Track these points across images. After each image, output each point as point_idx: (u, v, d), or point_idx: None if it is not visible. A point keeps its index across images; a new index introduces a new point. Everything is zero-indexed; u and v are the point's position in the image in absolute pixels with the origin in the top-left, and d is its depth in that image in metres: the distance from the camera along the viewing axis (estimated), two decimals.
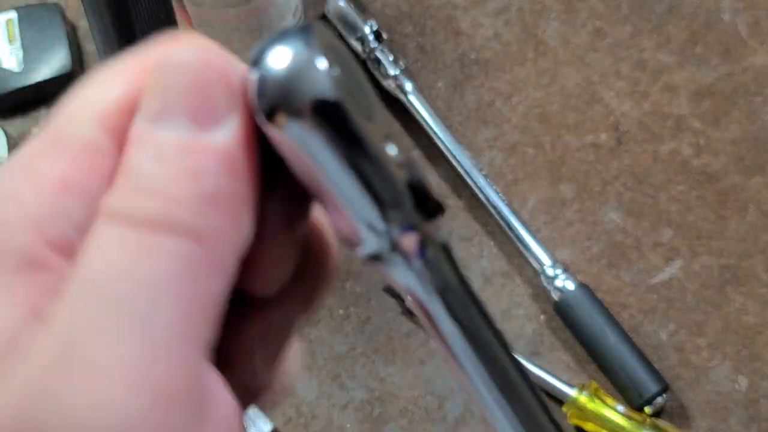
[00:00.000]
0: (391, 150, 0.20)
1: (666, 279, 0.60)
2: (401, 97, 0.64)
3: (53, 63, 0.65)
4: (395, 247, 0.20)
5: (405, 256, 0.20)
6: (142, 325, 0.17)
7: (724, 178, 0.63)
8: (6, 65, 0.65)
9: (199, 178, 0.18)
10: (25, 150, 0.20)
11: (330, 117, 0.19)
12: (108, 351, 0.17)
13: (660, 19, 0.68)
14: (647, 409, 0.55)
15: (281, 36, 0.19)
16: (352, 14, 0.64)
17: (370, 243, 0.20)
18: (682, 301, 0.60)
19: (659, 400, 0.56)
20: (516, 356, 0.22)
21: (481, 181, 0.61)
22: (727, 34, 0.67)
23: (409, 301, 0.21)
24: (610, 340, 0.57)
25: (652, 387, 0.55)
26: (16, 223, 0.18)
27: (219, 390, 0.19)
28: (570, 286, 0.58)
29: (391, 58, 0.64)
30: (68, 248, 0.19)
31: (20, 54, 0.66)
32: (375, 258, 0.20)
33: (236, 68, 0.20)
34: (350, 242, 0.20)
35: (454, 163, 0.62)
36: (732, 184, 0.62)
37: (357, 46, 0.64)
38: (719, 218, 0.62)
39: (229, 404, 0.19)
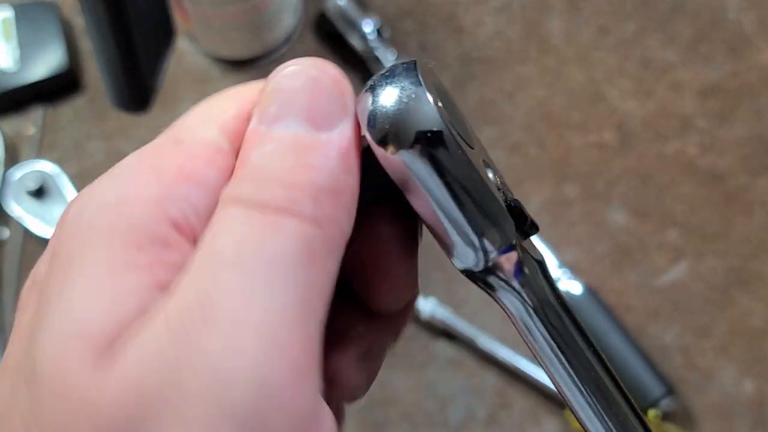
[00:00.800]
0: (490, 173, 0.22)
1: (671, 280, 0.60)
2: None
3: (49, 61, 0.65)
4: (495, 266, 0.22)
5: (504, 274, 0.22)
6: (272, 293, 0.19)
7: (729, 178, 0.62)
8: (2, 64, 0.65)
9: (318, 171, 0.20)
10: (147, 148, 0.22)
11: (436, 147, 0.21)
12: (240, 312, 0.18)
13: (665, 18, 0.67)
14: (652, 412, 0.55)
15: (390, 73, 0.21)
16: (353, 11, 0.64)
17: (468, 259, 0.22)
18: (687, 302, 0.59)
19: (664, 403, 0.55)
20: (608, 365, 0.23)
21: None
22: (732, 32, 0.66)
23: (509, 313, 0.22)
24: (615, 342, 0.56)
25: (658, 390, 0.55)
26: (142, 203, 0.20)
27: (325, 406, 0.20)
28: (576, 289, 0.57)
29: (394, 57, 0.63)
30: (189, 231, 0.20)
31: (17, 53, 0.65)
32: (470, 273, 0.22)
33: (345, 77, 0.22)
34: (449, 253, 0.22)
35: None
36: (738, 184, 0.62)
37: (357, 43, 0.64)
38: (725, 219, 0.61)
39: (331, 419, 0.20)
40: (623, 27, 0.67)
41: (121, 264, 0.19)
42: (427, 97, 0.21)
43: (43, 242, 0.61)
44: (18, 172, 0.61)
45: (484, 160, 0.22)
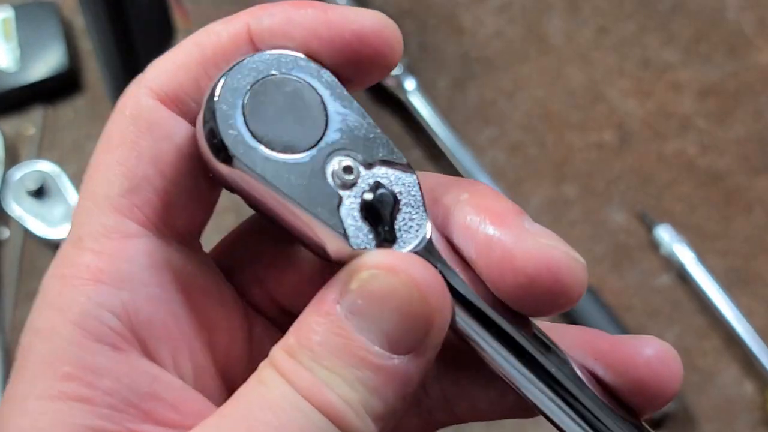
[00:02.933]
0: (336, 163, 0.22)
1: (671, 280, 0.60)
2: (402, 96, 0.63)
3: (49, 61, 0.65)
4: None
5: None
6: None
7: (729, 178, 0.62)
8: (2, 64, 0.65)
9: (372, 394, 0.21)
10: (55, 260, 0.22)
11: (229, 159, 0.21)
12: None
13: (664, 18, 0.67)
14: None
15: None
16: None
17: (335, 254, 0.22)
18: (687, 303, 0.59)
19: None
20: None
21: (485, 181, 0.61)
22: (732, 32, 0.66)
23: None
24: None
25: None
26: (64, 325, 0.21)
27: None
28: None
29: None
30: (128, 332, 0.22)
31: (17, 53, 0.65)
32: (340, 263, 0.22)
33: (447, 304, 0.22)
34: (318, 253, 0.22)
35: (456, 162, 0.61)
36: (737, 183, 0.62)
37: None
38: (724, 219, 0.61)
39: None
40: (623, 27, 0.67)
41: (49, 400, 0.20)
42: (214, 111, 0.21)
43: (43, 242, 0.61)
44: (18, 172, 0.61)
45: (333, 150, 0.22)
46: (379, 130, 0.23)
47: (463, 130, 0.63)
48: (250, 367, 0.22)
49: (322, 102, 0.22)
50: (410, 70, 0.64)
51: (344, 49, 0.23)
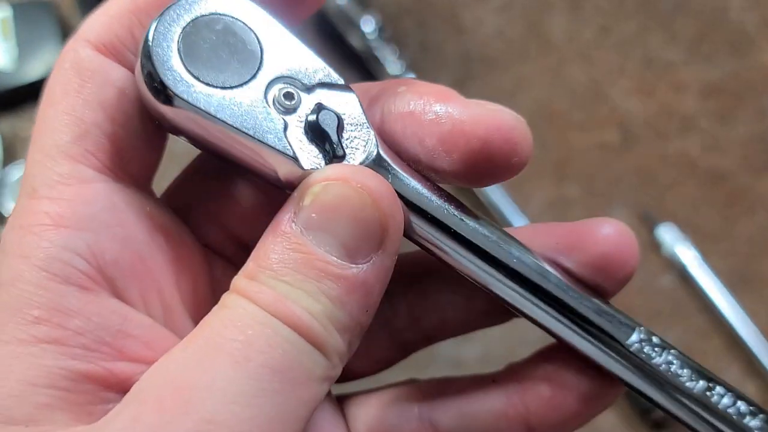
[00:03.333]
0: (276, 89, 0.23)
1: (672, 281, 0.59)
2: None
3: (47, 61, 0.64)
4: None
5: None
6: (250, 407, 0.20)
7: (732, 178, 0.62)
8: (0, 64, 0.65)
9: (335, 304, 0.21)
10: (12, 215, 0.22)
11: (169, 99, 0.22)
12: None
13: (666, 17, 0.67)
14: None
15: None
16: (353, 11, 0.64)
17: (286, 170, 0.23)
18: (688, 303, 0.59)
19: None
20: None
21: None
22: (734, 31, 0.66)
23: None
24: None
25: None
26: (29, 272, 0.21)
27: None
28: None
29: (394, 56, 0.63)
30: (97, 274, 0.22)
31: (15, 52, 0.65)
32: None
33: (398, 208, 0.22)
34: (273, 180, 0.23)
35: None
36: (740, 184, 0.62)
37: (357, 43, 0.63)
38: (727, 219, 0.61)
39: None
40: (625, 26, 0.67)
41: (20, 344, 0.20)
42: (150, 55, 0.22)
43: None
44: (16, 172, 0.61)
45: (275, 77, 0.23)
46: (313, 54, 0.23)
47: None
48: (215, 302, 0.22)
49: (255, 35, 0.23)
50: (410, 69, 0.63)
51: None
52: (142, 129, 0.23)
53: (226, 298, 0.21)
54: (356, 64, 0.64)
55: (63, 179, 0.22)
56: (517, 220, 0.60)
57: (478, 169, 0.23)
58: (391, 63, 0.63)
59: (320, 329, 0.21)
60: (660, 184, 0.62)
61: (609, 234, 0.25)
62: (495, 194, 0.60)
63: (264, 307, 0.21)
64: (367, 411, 0.27)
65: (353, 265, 0.21)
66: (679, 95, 0.64)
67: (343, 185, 0.21)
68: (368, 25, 0.63)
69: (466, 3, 0.68)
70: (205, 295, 0.24)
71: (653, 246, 0.60)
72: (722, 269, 0.59)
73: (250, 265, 0.21)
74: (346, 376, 0.28)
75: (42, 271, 0.21)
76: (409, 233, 0.23)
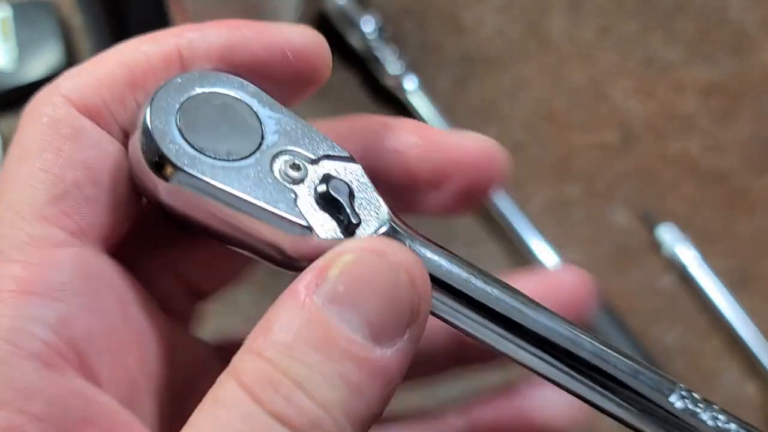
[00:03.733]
0: (281, 162, 0.22)
1: (672, 281, 0.59)
2: (402, 96, 0.63)
3: (47, 61, 0.64)
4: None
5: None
6: None
7: (732, 178, 0.62)
8: (0, 64, 0.64)
9: (354, 394, 0.19)
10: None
11: (169, 175, 0.21)
12: None
13: (667, 17, 0.67)
14: None
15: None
16: (353, 11, 0.63)
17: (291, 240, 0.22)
18: (688, 304, 0.59)
19: None
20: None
21: None
22: (735, 31, 0.66)
23: None
24: (617, 344, 0.56)
25: None
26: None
27: None
28: None
29: (394, 56, 0.63)
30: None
31: (15, 52, 0.65)
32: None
33: (429, 288, 0.20)
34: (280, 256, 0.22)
35: None
36: (740, 184, 0.62)
37: (357, 43, 0.63)
38: (727, 219, 0.61)
39: None
40: (625, 26, 0.67)
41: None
42: (150, 130, 0.21)
43: None
44: None
45: (280, 152, 0.22)
46: (315, 129, 0.23)
47: (464, 129, 0.63)
48: (177, 378, 0.21)
49: (253, 110, 0.22)
50: (410, 69, 0.63)
51: (276, 68, 0.23)
52: (124, 194, 0.22)
53: (222, 389, 0.19)
54: (356, 64, 0.64)
55: (34, 242, 0.20)
56: (518, 220, 0.60)
57: (466, 197, 0.23)
58: (391, 63, 0.63)
59: (331, 427, 0.18)
60: (660, 185, 0.62)
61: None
62: (495, 194, 0.60)
63: (270, 410, 0.18)
64: None
65: (379, 348, 0.19)
66: (679, 95, 0.64)
67: (379, 258, 0.19)
68: (368, 25, 0.63)
69: (466, 3, 0.68)
70: (165, 363, 0.23)
71: (653, 246, 0.60)
72: (722, 269, 0.59)
73: (257, 340, 0.19)
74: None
75: (5, 343, 0.19)
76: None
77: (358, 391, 0.19)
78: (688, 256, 0.59)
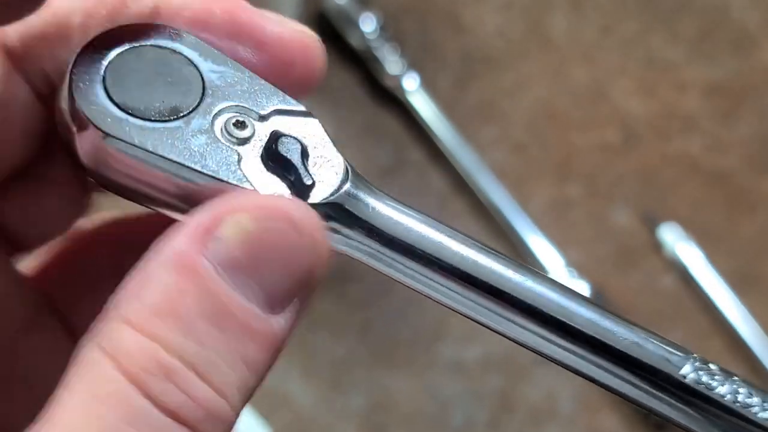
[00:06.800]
0: (223, 120, 0.20)
1: (674, 281, 0.59)
2: (402, 96, 0.62)
3: None
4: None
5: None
6: None
7: (734, 178, 0.62)
8: None
9: (250, 371, 0.17)
10: None
11: (92, 132, 0.19)
12: None
13: (668, 16, 0.67)
14: None
15: None
16: (353, 10, 0.63)
17: None
18: (690, 304, 0.59)
19: None
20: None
21: (486, 181, 0.60)
22: (736, 31, 0.66)
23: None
24: None
25: None
26: None
27: None
28: (581, 291, 0.57)
29: (396, 54, 0.62)
30: None
31: None
32: None
33: (328, 252, 0.18)
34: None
35: (456, 162, 0.61)
36: (742, 183, 0.61)
37: (357, 43, 0.63)
38: (729, 219, 0.61)
39: None
40: (626, 25, 0.66)
41: None
42: (72, 90, 0.19)
43: None
44: None
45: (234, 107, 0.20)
46: (264, 81, 0.21)
47: (464, 129, 0.63)
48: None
49: (193, 64, 0.20)
50: (411, 69, 0.63)
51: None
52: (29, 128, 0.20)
53: (100, 376, 0.16)
54: (356, 64, 0.63)
55: None
56: (518, 220, 0.59)
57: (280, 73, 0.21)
58: (391, 62, 0.62)
59: (228, 413, 0.16)
60: (662, 184, 0.62)
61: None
62: (495, 194, 0.60)
63: (163, 406, 0.16)
64: None
65: (273, 317, 0.17)
66: (680, 95, 0.64)
67: (281, 221, 0.18)
68: (368, 24, 0.63)
69: (467, 2, 0.68)
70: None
71: (655, 246, 0.60)
72: (724, 269, 0.59)
73: (134, 306, 0.16)
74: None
75: None
76: (388, 272, 0.20)
77: (255, 368, 0.17)
78: (690, 256, 0.59)
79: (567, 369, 0.21)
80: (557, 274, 0.58)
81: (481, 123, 0.64)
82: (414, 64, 0.64)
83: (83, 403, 0.16)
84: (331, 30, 0.64)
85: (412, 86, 0.62)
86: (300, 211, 0.18)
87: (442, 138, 0.61)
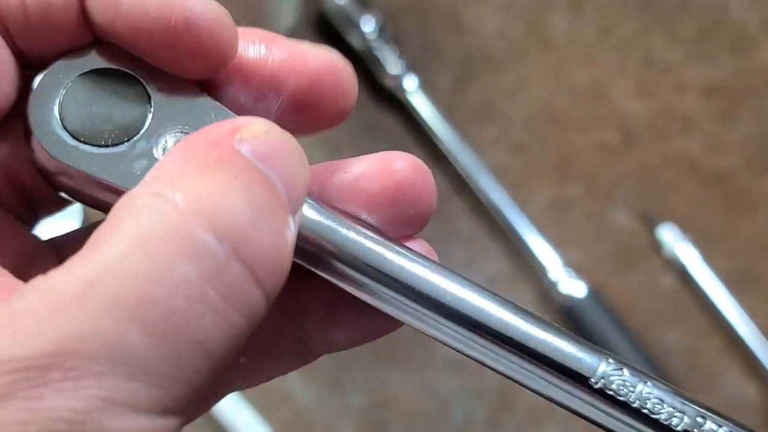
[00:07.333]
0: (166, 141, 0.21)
1: (673, 281, 0.59)
2: (402, 96, 0.62)
3: None
4: None
5: None
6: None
7: (733, 178, 0.62)
8: None
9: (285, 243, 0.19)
10: None
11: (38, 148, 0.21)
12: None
13: (668, 16, 0.67)
14: None
15: None
16: (353, 11, 0.63)
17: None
18: (689, 304, 0.59)
19: None
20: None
21: (486, 181, 0.60)
22: (736, 31, 0.66)
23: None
24: (618, 344, 0.56)
25: None
26: None
27: None
28: (580, 290, 0.57)
29: (396, 55, 0.63)
30: None
31: None
32: None
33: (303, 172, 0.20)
34: None
35: (457, 162, 0.61)
36: (741, 184, 0.61)
37: (357, 43, 0.63)
38: (728, 219, 0.61)
39: None
40: (626, 26, 0.66)
41: None
42: (28, 118, 0.21)
43: None
44: None
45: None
46: (207, 98, 0.22)
47: (464, 130, 0.63)
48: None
49: (142, 86, 0.22)
50: (411, 69, 0.63)
51: (172, 34, 0.21)
52: None
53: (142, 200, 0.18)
54: (356, 64, 0.63)
55: None
56: (518, 220, 0.59)
57: (305, 111, 0.22)
58: (391, 63, 0.62)
59: (284, 265, 0.19)
60: (661, 185, 0.62)
61: (403, 168, 0.23)
62: (495, 194, 0.60)
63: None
64: None
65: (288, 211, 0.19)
66: (680, 95, 0.64)
67: (282, 132, 0.20)
68: (368, 24, 0.63)
69: (467, 3, 0.68)
70: None
71: (654, 246, 0.60)
72: (723, 269, 0.59)
73: (179, 169, 0.19)
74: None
75: None
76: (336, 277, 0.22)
77: (289, 244, 0.19)
78: (689, 256, 0.59)
79: (485, 366, 0.22)
80: (556, 273, 0.58)
81: (481, 123, 0.64)
82: (414, 64, 0.64)
83: (132, 238, 0.18)
84: (331, 30, 0.64)
85: (412, 86, 0.62)
86: (284, 131, 0.20)
87: (442, 138, 0.61)
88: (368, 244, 0.21)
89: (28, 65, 0.22)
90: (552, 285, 0.58)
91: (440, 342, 0.22)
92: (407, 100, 0.62)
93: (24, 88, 0.22)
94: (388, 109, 0.64)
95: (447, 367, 0.57)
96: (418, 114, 0.62)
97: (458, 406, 0.57)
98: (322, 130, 0.23)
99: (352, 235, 0.21)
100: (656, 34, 0.66)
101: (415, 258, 0.22)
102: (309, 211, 0.21)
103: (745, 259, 0.60)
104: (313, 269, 0.22)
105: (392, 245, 0.22)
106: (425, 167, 0.23)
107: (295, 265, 0.20)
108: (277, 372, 0.25)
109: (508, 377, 0.22)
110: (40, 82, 0.21)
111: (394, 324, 0.23)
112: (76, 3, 0.21)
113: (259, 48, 0.23)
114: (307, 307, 0.24)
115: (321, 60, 0.23)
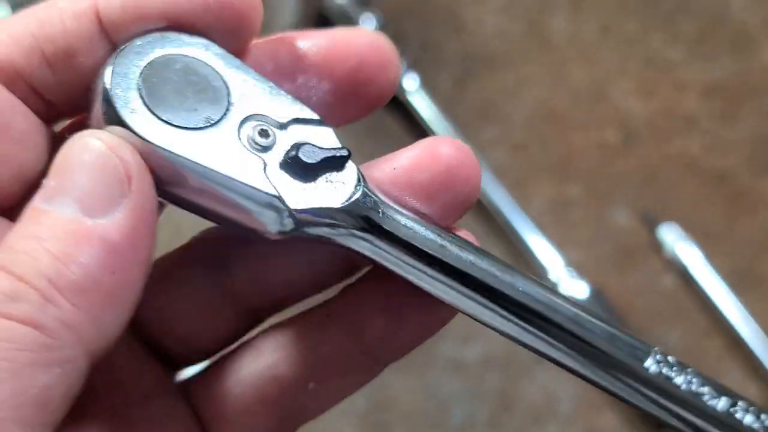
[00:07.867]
0: (250, 128, 0.21)
1: (673, 281, 0.59)
2: (402, 96, 0.62)
3: None
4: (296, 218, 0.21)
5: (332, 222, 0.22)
6: None
7: (734, 178, 0.62)
8: None
9: (59, 261, 0.19)
10: None
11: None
12: None
13: (668, 16, 0.67)
14: None
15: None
16: (353, 10, 0.63)
17: (274, 223, 0.21)
18: (690, 304, 0.59)
19: None
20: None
21: (486, 181, 0.60)
22: (735, 31, 0.66)
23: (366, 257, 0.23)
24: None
25: None
26: None
27: None
28: (582, 290, 0.57)
29: (398, 54, 0.62)
30: None
31: None
32: (284, 233, 0.22)
33: (137, 158, 0.20)
34: (257, 228, 0.22)
35: None
36: (742, 183, 0.61)
37: None
38: (729, 219, 0.61)
39: None
40: (626, 25, 0.67)
41: None
42: (111, 99, 0.20)
43: None
44: None
45: (250, 116, 0.22)
46: (283, 91, 0.22)
47: (465, 129, 0.63)
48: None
49: (218, 73, 0.22)
50: (411, 69, 0.63)
51: (200, 18, 0.22)
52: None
53: None
54: None
55: None
56: (518, 220, 0.59)
57: (353, 94, 0.23)
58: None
59: (33, 295, 0.19)
60: (661, 184, 0.62)
61: (449, 152, 0.23)
62: (495, 194, 0.60)
63: None
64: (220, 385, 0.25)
65: (89, 219, 0.19)
66: (680, 95, 0.64)
67: (77, 140, 0.20)
68: (368, 24, 0.63)
69: (467, 3, 0.68)
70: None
71: (655, 246, 0.60)
72: (724, 269, 0.59)
73: None
74: (189, 357, 0.26)
75: None
76: (402, 272, 0.22)
77: (65, 257, 0.19)
78: (690, 256, 0.59)
79: (545, 358, 0.24)
80: (557, 273, 0.58)
81: (481, 123, 0.64)
82: (414, 64, 0.64)
83: None
84: None
85: (412, 86, 0.62)
86: (93, 134, 0.20)
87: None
88: (440, 241, 0.22)
89: (57, 113, 0.22)
90: (552, 285, 0.58)
91: (495, 330, 0.23)
92: (407, 100, 0.62)
93: (52, 149, 0.22)
94: (388, 109, 0.64)
95: (447, 368, 0.57)
96: (418, 114, 0.62)
97: (458, 407, 0.57)
98: (372, 111, 0.24)
99: (431, 234, 0.22)
100: (656, 34, 0.66)
101: (485, 252, 0.23)
102: (397, 221, 0.22)
103: (745, 258, 0.60)
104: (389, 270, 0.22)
105: (463, 240, 0.23)
106: (467, 147, 0.24)
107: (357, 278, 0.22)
108: (347, 391, 0.26)
109: (564, 367, 0.24)
110: (115, 64, 0.21)
111: (450, 313, 0.24)
112: (97, 35, 0.21)
113: (303, 44, 0.23)
114: (365, 319, 0.24)
115: (363, 39, 0.23)
